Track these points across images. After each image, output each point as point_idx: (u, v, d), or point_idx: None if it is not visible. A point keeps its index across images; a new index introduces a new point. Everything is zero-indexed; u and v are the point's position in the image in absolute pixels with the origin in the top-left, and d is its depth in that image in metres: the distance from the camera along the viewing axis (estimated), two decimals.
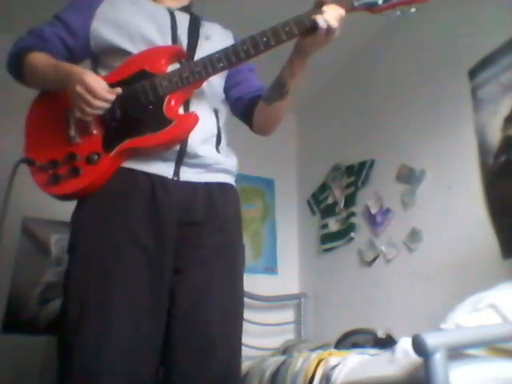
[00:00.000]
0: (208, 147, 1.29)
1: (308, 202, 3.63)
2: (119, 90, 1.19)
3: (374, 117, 3.08)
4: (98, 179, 1.20)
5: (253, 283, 3.30)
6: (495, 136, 2.17)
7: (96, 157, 1.19)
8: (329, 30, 1.15)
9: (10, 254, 2.75)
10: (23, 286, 2.77)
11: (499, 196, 2.12)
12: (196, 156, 1.25)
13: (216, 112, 1.35)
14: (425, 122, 2.64)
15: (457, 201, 2.35)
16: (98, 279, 1.13)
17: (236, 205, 1.35)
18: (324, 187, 3.46)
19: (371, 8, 1.20)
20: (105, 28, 1.28)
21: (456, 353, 1.16)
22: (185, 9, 1.40)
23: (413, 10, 1.20)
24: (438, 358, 1.05)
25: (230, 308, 1.24)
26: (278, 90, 1.31)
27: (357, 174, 3.12)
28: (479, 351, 1.22)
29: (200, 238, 1.24)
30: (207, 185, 1.28)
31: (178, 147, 1.23)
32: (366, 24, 2.72)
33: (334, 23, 1.15)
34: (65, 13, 1.32)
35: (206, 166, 1.28)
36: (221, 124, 1.36)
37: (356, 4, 1.20)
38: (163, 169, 1.23)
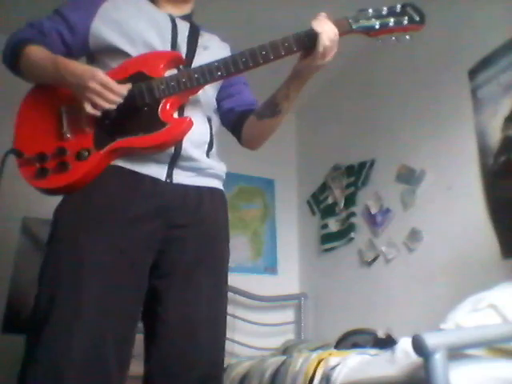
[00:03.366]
0: (200, 152, 1.30)
1: (308, 202, 3.63)
2: (129, 85, 1.19)
3: (374, 117, 3.09)
4: (86, 175, 1.19)
5: (253, 283, 3.31)
6: (495, 136, 2.17)
7: (86, 153, 1.19)
8: (325, 49, 1.19)
9: (10, 254, 2.75)
10: (23, 286, 2.76)
11: (499, 196, 2.13)
12: (190, 159, 1.27)
13: (209, 120, 1.36)
14: (425, 122, 2.65)
15: (457, 201, 2.35)
16: (73, 268, 1.12)
17: (224, 209, 1.37)
18: (324, 187, 3.46)
19: (368, 31, 1.27)
20: (106, 28, 1.28)
21: (456, 353, 1.16)
22: (186, 17, 1.41)
23: (407, 37, 1.28)
24: (438, 358, 1.05)
25: (216, 314, 1.27)
26: (271, 108, 1.34)
27: (357, 174, 3.12)
28: (479, 351, 1.23)
29: (186, 242, 1.25)
30: (198, 188, 1.29)
31: (172, 150, 1.23)
32: None
33: (328, 42, 1.18)
34: (65, 8, 1.32)
35: (198, 170, 1.29)
36: (213, 132, 1.37)
37: (354, 26, 1.25)
38: (156, 170, 1.23)
